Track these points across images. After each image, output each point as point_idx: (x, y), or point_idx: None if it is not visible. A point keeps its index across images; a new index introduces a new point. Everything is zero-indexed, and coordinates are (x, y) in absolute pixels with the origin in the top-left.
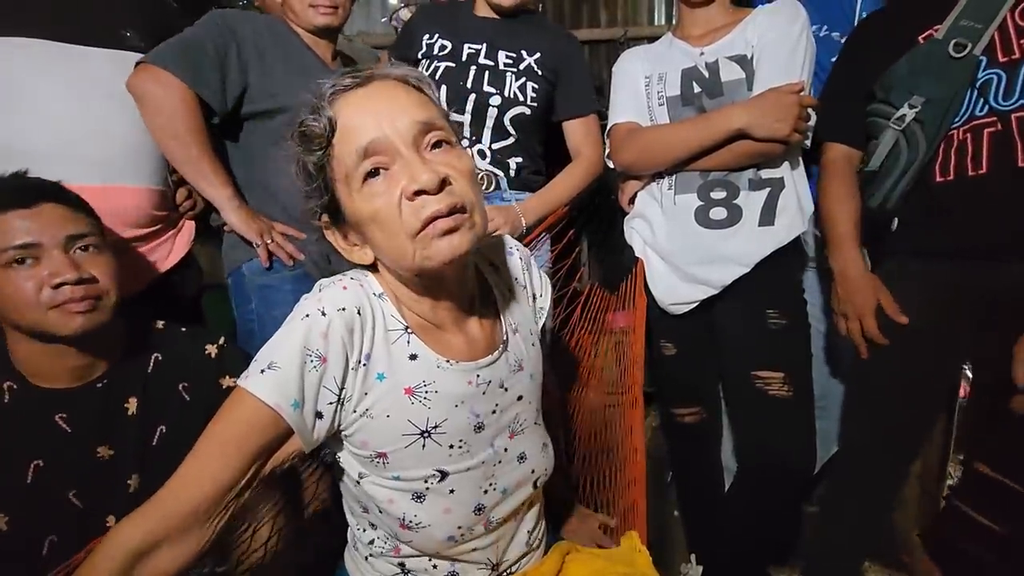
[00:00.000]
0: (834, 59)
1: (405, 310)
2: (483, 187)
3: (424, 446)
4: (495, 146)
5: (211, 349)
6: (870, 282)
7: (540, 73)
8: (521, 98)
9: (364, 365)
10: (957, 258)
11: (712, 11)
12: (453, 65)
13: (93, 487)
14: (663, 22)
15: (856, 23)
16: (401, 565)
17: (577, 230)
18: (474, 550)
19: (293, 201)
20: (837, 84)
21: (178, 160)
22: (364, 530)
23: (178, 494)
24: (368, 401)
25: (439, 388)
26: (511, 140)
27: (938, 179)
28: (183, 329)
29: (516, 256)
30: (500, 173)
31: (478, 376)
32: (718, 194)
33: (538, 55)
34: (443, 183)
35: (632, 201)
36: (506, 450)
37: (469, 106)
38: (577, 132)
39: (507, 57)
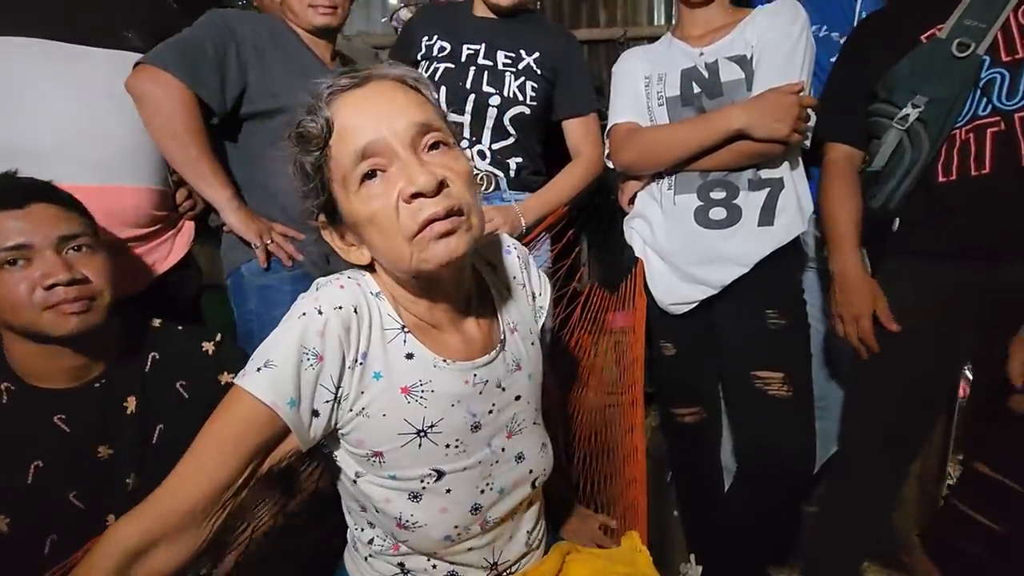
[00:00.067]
0: (834, 59)
1: (402, 310)
2: (483, 187)
3: (420, 445)
4: (495, 146)
5: (208, 346)
6: (868, 286)
7: (539, 72)
8: (520, 98)
9: (361, 364)
10: (959, 258)
11: (711, 11)
12: (452, 66)
13: (93, 487)
14: (663, 22)
15: (856, 23)
16: (400, 565)
17: (577, 230)
18: (470, 550)
19: (292, 201)
20: (838, 84)
21: (177, 161)
22: (363, 529)
23: (175, 493)
24: (364, 400)
25: (435, 387)
26: (511, 140)
27: (940, 179)
28: (180, 327)
29: (514, 255)
30: (500, 173)
31: (475, 376)
32: (718, 194)
33: (537, 54)
34: (440, 185)
35: (632, 201)
36: (503, 450)
37: (469, 106)
38: (577, 131)
39: (506, 57)
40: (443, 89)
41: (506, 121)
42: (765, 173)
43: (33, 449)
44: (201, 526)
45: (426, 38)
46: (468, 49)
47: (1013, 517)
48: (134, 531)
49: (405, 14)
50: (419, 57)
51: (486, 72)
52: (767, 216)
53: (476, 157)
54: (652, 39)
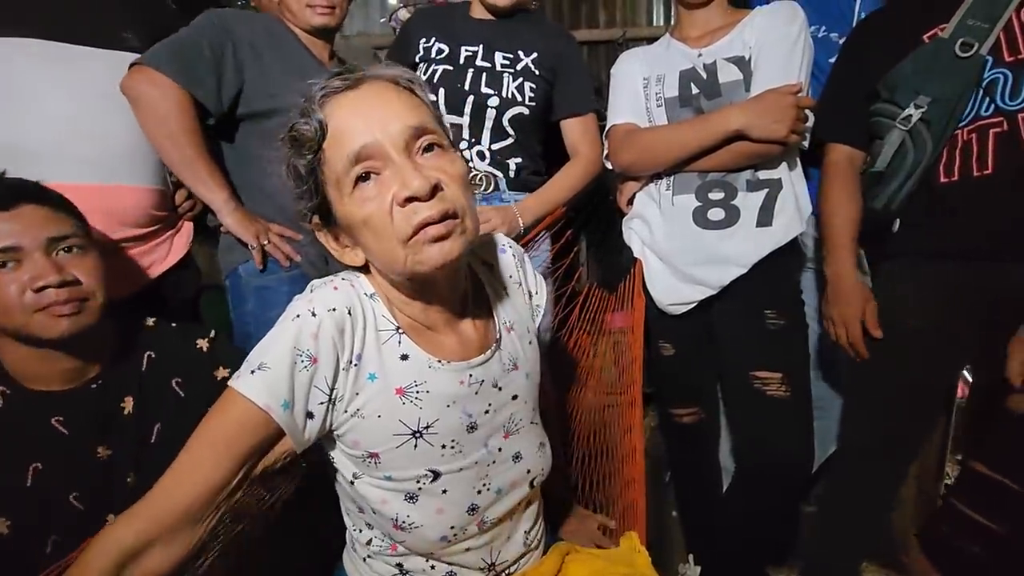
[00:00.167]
0: (832, 60)
1: (396, 311)
2: (482, 188)
3: (416, 446)
4: (494, 147)
5: (202, 343)
6: (859, 291)
7: (538, 73)
8: (519, 98)
9: (355, 365)
10: (960, 259)
11: (710, 12)
12: (451, 68)
13: (93, 488)
14: (662, 23)
15: (855, 23)
16: (399, 566)
17: (575, 230)
18: (468, 550)
19: (290, 202)
20: (838, 84)
21: (173, 162)
22: (361, 530)
23: (170, 494)
24: (359, 401)
25: (430, 388)
26: (510, 140)
27: (942, 180)
28: (173, 325)
29: (509, 254)
30: (499, 174)
31: (470, 376)
32: (716, 195)
33: (535, 55)
34: (435, 189)
35: (630, 202)
36: (500, 450)
37: (468, 108)
38: (575, 131)
39: (504, 58)
40: (442, 91)
41: (505, 122)
42: (763, 174)
43: (32, 452)
44: (195, 527)
45: (423, 40)
46: (466, 51)
47: (1011, 517)
48: (128, 531)
49: (404, 14)
50: (417, 59)
51: (484, 73)
52: (765, 217)
53: (475, 158)
54: (651, 40)
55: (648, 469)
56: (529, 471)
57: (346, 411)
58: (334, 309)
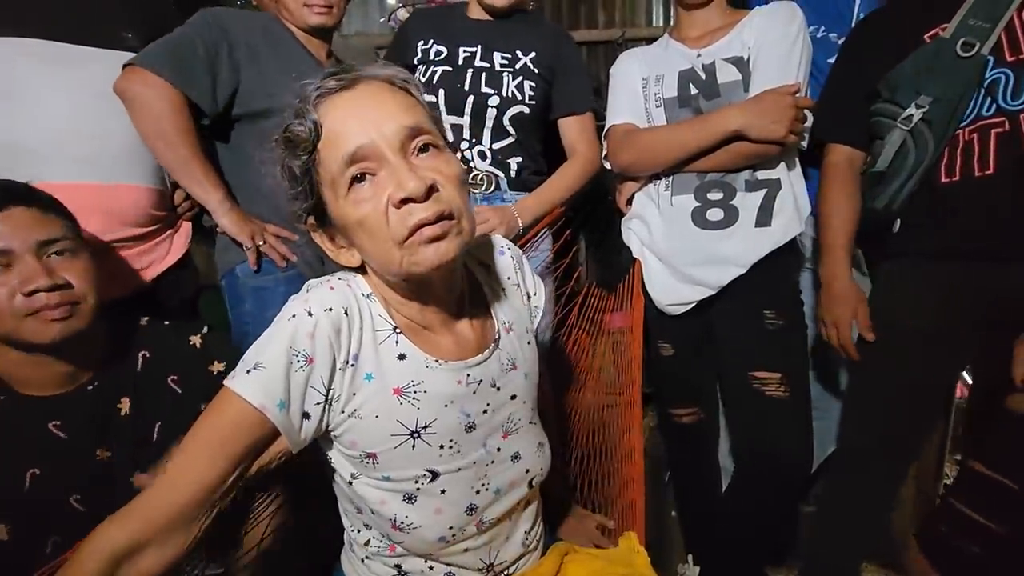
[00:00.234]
0: (831, 60)
1: (393, 311)
2: (483, 188)
3: (414, 447)
4: (495, 146)
5: (195, 339)
6: (851, 294)
7: (536, 72)
8: (519, 97)
9: (352, 365)
10: (961, 259)
11: (709, 13)
12: (450, 69)
13: (95, 490)
14: (661, 23)
15: (854, 23)
16: (397, 567)
17: (575, 231)
18: (466, 551)
19: (286, 202)
20: (838, 84)
21: (168, 162)
22: (359, 531)
23: (164, 494)
24: (356, 401)
25: (428, 388)
26: (511, 140)
27: (943, 180)
28: (166, 323)
29: (508, 256)
30: (501, 174)
31: (468, 375)
32: (715, 195)
33: (533, 54)
34: (430, 190)
35: (629, 202)
36: (499, 450)
37: (468, 108)
38: (572, 129)
39: (503, 58)
40: (441, 92)
41: (506, 121)
42: (762, 174)
43: (29, 457)
44: (189, 527)
45: (421, 42)
46: (465, 51)
47: (1011, 516)
48: (122, 532)
49: (403, 14)
50: (415, 61)
51: (484, 73)
52: (764, 217)
53: (476, 158)
54: (650, 40)
55: (647, 469)
56: (528, 471)
57: (343, 411)
58: (330, 309)
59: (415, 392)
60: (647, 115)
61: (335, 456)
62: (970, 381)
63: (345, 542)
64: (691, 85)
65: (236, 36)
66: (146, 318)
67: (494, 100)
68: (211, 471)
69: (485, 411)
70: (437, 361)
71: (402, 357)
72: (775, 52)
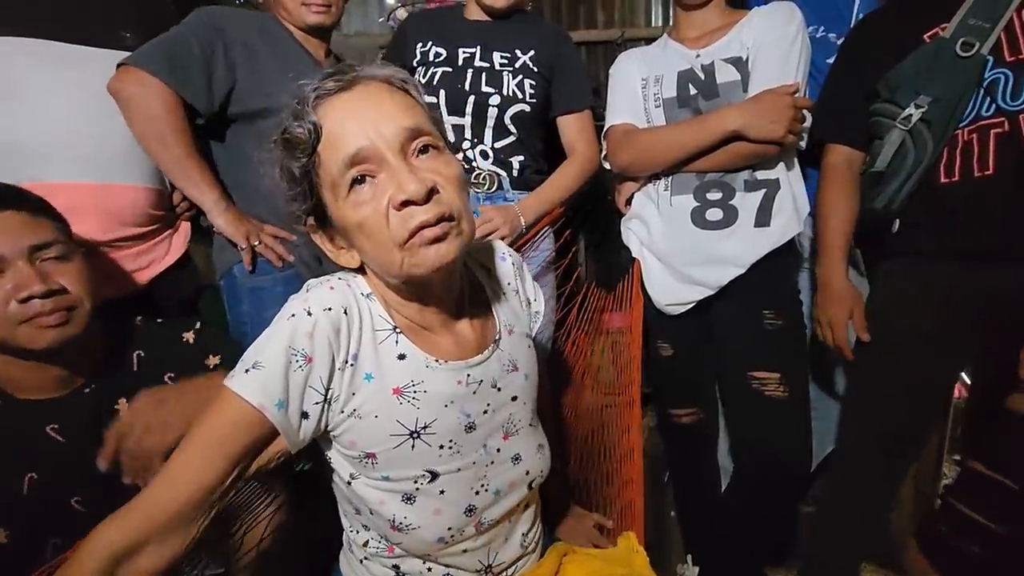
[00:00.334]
0: (830, 60)
1: (393, 311)
2: (486, 187)
3: (413, 447)
4: (497, 145)
5: (188, 336)
6: (847, 294)
7: (536, 70)
8: (520, 95)
9: (351, 365)
10: (960, 259)
11: (708, 13)
12: (450, 70)
13: (95, 491)
14: (660, 23)
15: (853, 24)
16: (395, 568)
17: (574, 231)
18: (465, 551)
19: (281, 202)
20: (837, 84)
21: (162, 162)
22: (358, 532)
23: (162, 494)
24: (356, 401)
25: (428, 388)
26: (512, 138)
27: (943, 180)
28: (159, 321)
29: (509, 262)
30: (503, 173)
31: (468, 375)
32: (714, 195)
33: (532, 53)
34: (431, 192)
35: (629, 202)
36: (499, 451)
37: (469, 108)
38: (571, 128)
39: (502, 57)
40: (442, 92)
41: (507, 120)
42: (761, 174)
43: (27, 461)
44: (187, 527)
45: (420, 44)
46: (464, 52)
47: (1010, 517)
48: (120, 532)
49: (402, 13)
50: (415, 63)
51: (484, 73)
52: (763, 217)
53: (479, 157)
54: (650, 40)
55: (647, 469)
56: (528, 472)
57: (342, 411)
58: (330, 309)
59: (415, 392)
60: (646, 115)
61: (334, 456)
62: (969, 381)
63: (344, 543)
64: (690, 85)
65: (232, 35)
66: (139, 318)
67: (495, 99)
68: (209, 470)
69: (485, 411)
70: (437, 361)
71: (402, 357)
72: (774, 52)
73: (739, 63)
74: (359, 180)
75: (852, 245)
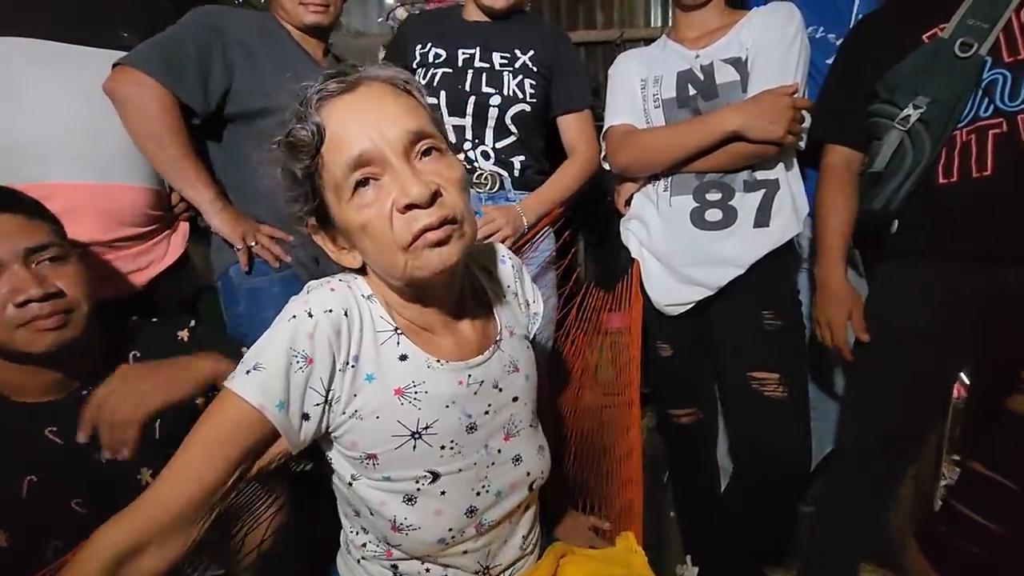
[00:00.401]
0: (829, 61)
1: (394, 312)
2: (487, 187)
3: (415, 447)
4: (498, 145)
5: (183, 334)
6: (846, 295)
7: (536, 70)
8: (520, 95)
9: (352, 367)
10: (958, 260)
11: (707, 14)
12: (450, 71)
13: (96, 492)
14: (659, 24)
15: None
16: (393, 567)
17: (573, 231)
18: (465, 552)
19: (281, 202)
20: (836, 84)
21: (158, 162)
22: (357, 533)
23: (164, 496)
24: (357, 402)
25: (429, 388)
26: (513, 139)
27: (941, 181)
28: (154, 320)
29: (509, 265)
30: (504, 173)
31: (469, 376)
32: (713, 196)
33: (532, 52)
34: (434, 196)
35: (628, 203)
36: (500, 452)
37: (470, 108)
38: (572, 127)
39: (502, 58)
40: (443, 94)
41: (508, 120)
42: (760, 174)
43: (26, 464)
44: (189, 528)
45: (420, 46)
46: (463, 53)
47: (1011, 517)
48: (122, 533)
49: (401, 13)
50: (414, 65)
51: (484, 74)
52: (763, 217)
53: (480, 158)
54: (649, 41)
55: (646, 469)
56: (529, 474)
57: (344, 412)
58: (331, 310)
59: (416, 392)
60: (645, 116)
61: (335, 457)
62: (968, 381)
63: (341, 543)
64: (689, 86)
65: (230, 35)
66: (134, 317)
67: (495, 99)
68: (211, 471)
69: (487, 412)
70: (439, 361)
71: (403, 358)
72: (773, 53)
73: (738, 63)
74: (362, 183)
75: (851, 245)
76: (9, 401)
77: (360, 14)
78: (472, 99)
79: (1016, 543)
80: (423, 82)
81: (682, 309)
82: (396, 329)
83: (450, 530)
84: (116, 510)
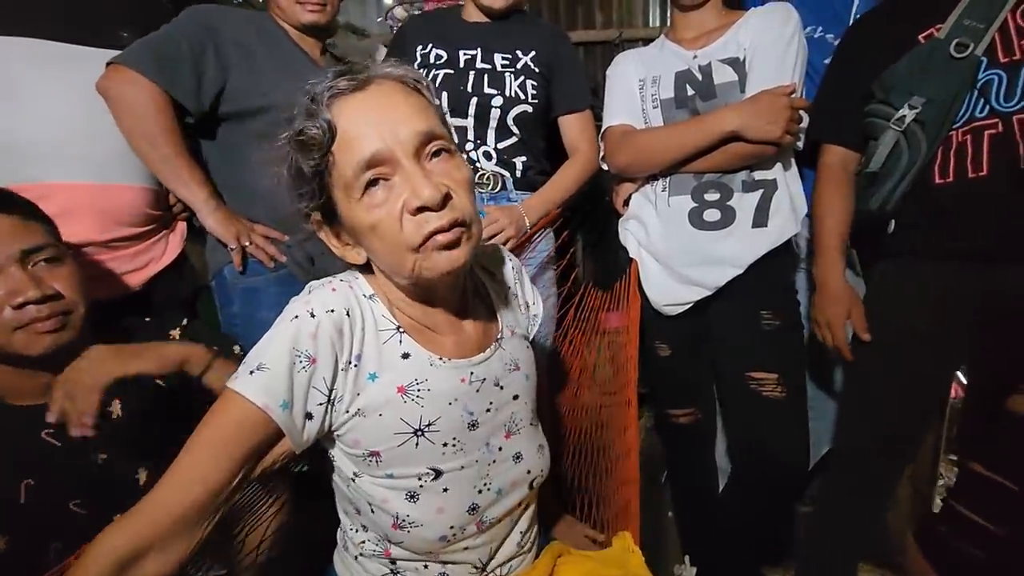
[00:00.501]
0: (828, 61)
1: (397, 311)
2: (489, 187)
3: (417, 444)
4: (500, 146)
5: (175, 333)
6: (845, 295)
7: (537, 71)
8: (522, 96)
9: (355, 366)
10: (955, 260)
11: (705, 14)
12: (452, 72)
13: (94, 493)
14: (658, 24)
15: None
16: (392, 561)
17: (572, 231)
18: (465, 549)
19: (277, 202)
20: (833, 84)
21: (151, 162)
22: (356, 531)
23: (167, 498)
24: (361, 401)
25: (431, 386)
26: (515, 139)
27: (937, 181)
28: (147, 320)
29: (509, 266)
30: (506, 174)
31: (471, 373)
32: (712, 196)
33: (533, 53)
34: (445, 199)
35: (627, 203)
36: (501, 449)
37: (471, 109)
38: (573, 128)
39: (503, 59)
40: (444, 95)
41: (509, 121)
42: (759, 175)
43: (23, 468)
44: (193, 531)
45: (420, 47)
46: (465, 54)
47: (1011, 518)
48: (125, 538)
49: (400, 12)
50: (415, 66)
51: (486, 75)
52: (761, 217)
53: (482, 158)
54: (648, 41)
55: (644, 469)
56: (529, 472)
57: (347, 411)
58: (332, 310)
59: (419, 390)
60: (644, 116)
61: (337, 455)
62: (965, 381)
63: (338, 541)
64: (687, 86)
65: (226, 34)
66: (128, 317)
67: (497, 100)
68: (215, 473)
69: (488, 410)
70: (441, 359)
71: (406, 356)
72: (771, 53)
73: (736, 64)
74: (373, 182)
75: (848, 245)
76: (5, 404)
77: (359, 13)
78: (474, 100)
79: (1016, 544)
80: None
81: (680, 309)
82: (398, 328)
83: (452, 527)
84: (115, 510)
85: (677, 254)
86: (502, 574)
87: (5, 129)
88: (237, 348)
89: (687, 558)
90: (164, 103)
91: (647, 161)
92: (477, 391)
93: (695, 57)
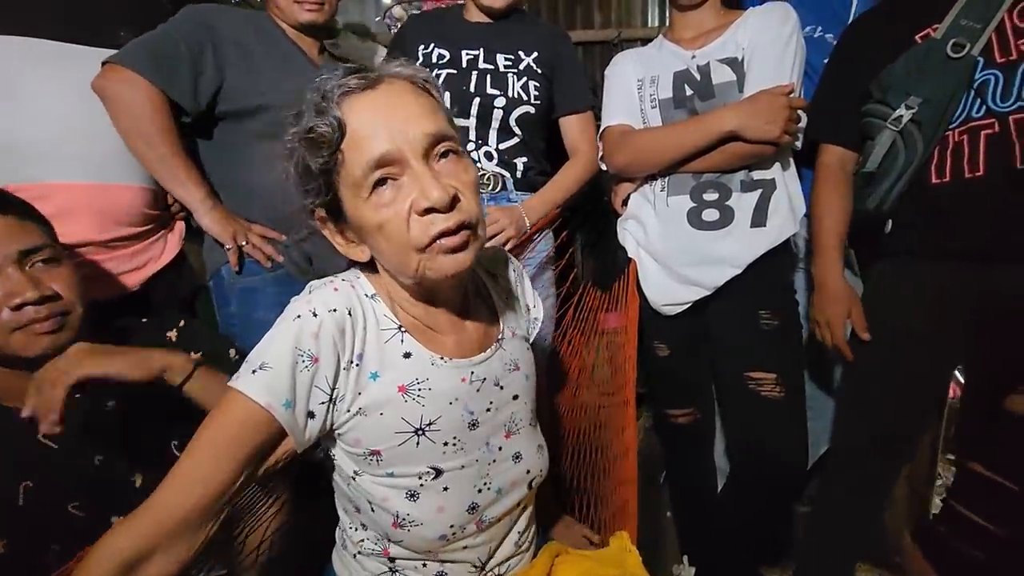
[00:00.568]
0: (827, 61)
1: (399, 310)
2: (490, 188)
3: (418, 444)
4: (501, 146)
5: (171, 334)
6: (844, 294)
7: (539, 71)
8: (525, 97)
9: (356, 365)
10: (951, 260)
11: (703, 14)
12: (454, 72)
13: (93, 494)
14: (656, 24)
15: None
16: (391, 559)
17: (571, 231)
18: (465, 548)
19: (275, 201)
20: (831, 84)
21: (148, 161)
22: (356, 529)
23: (171, 499)
24: (362, 400)
25: (432, 386)
26: (516, 140)
27: (934, 181)
28: (144, 320)
29: (511, 269)
30: (507, 174)
31: (472, 373)
32: (710, 196)
33: (536, 54)
34: (453, 201)
35: (625, 203)
36: (500, 449)
37: (474, 109)
38: (574, 128)
39: (506, 59)
40: (447, 95)
41: (512, 121)
42: (757, 174)
43: (21, 470)
44: (196, 532)
45: (422, 47)
46: (467, 55)
47: (1010, 518)
48: (128, 540)
49: (398, 12)
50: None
51: (488, 75)
52: (759, 217)
53: (483, 159)
54: (646, 40)
55: (642, 469)
56: (529, 471)
57: (348, 410)
58: (334, 310)
59: (420, 390)
60: (642, 116)
61: (338, 454)
62: (962, 380)
63: (337, 540)
64: (686, 86)
65: (224, 33)
66: (125, 318)
67: (500, 101)
68: (218, 473)
69: (488, 409)
70: (442, 359)
71: (407, 355)
72: (769, 53)
73: (735, 64)
74: (381, 182)
75: (846, 245)
76: (3, 405)
77: (358, 13)
78: (477, 100)
79: (1016, 544)
80: None
81: (679, 309)
82: (400, 327)
83: (451, 526)
84: (113, 512)
85: (676, 254)
86: (500, 573)
87: (4, 129)
88: (233, 352)
89: (685, 558)
90: (161, 102)
91: (646, 161)
92: (477, 391)
93: (693, 57)
